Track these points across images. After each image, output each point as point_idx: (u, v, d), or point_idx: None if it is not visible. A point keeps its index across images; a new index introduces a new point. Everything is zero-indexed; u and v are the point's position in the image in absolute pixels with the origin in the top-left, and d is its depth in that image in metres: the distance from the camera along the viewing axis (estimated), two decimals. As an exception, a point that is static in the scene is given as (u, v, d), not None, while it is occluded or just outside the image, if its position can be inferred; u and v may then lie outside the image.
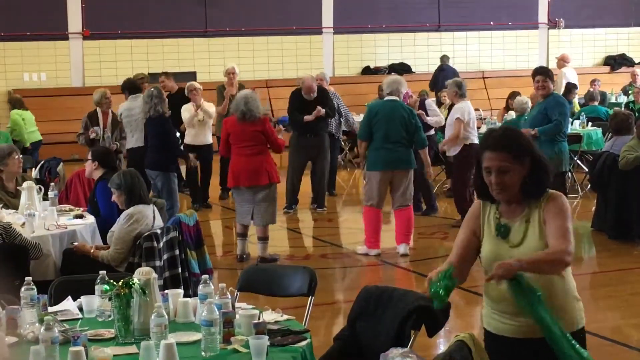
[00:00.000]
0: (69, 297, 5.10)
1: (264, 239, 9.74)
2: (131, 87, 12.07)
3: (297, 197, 12.58)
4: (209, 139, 12.67)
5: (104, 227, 7.68)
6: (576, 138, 13.07)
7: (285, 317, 4.79)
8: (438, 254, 10.24)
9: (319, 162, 12.51)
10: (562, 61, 19.20)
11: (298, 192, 12.55)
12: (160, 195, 10.06)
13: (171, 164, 10.33)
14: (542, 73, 10.00)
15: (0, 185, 8.51)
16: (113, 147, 10.99)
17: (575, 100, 16.57)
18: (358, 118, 16.73)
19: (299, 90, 12.50)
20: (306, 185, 12.75)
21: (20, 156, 8.83)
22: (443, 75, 19.34)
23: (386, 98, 9.98)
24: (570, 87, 16.73)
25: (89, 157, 8.64)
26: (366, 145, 9.90)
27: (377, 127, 9.75)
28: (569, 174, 13.58)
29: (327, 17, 21.25)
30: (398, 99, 9.93)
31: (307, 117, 12.13)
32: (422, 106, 12.21)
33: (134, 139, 11.53)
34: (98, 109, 11.54)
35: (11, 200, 8.25)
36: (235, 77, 13.57)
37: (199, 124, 12.46)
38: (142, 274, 4.59)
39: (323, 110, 12.20)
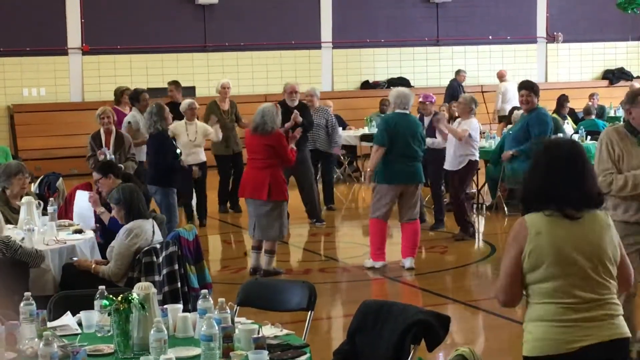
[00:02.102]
0: (68, 312, 5.10)
1: (269, 252, 9.70)
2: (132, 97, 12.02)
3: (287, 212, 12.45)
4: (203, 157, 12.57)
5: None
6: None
7: (285, 331, 4.79)
8: (437, 267, 10.23)
9: (303, 177, 12.42)
10: (501, 77, 19.53)
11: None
12: (160, 210, 10.07)
13: (170, 180, 10.32)
14: (527, 87, 9.95)
15: (4, 201, 8.49)
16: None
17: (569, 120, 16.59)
18: (357, 132, 16.78)
19: (280, 102, 12.27)
20: (298, 200, 12.72)
21: (27, 177, 8.81)
22: (449, 89, 19.63)
23: (398, 111, 9.84)
24: (562, 101, 16.80)
25: (99, 175, 8.48)
26: (382, 152, 9.60)
27: (395, 140, 9.63)
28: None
29: (326, 32, 21.29)
30: (409, 112, 9.91)
31: (287, 124, 11.92)
32: (430, 121, 12.06)
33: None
34: (101, 129, 11.21)
35: (14, 217, 8.22)
36: (229, 92, 13.57)
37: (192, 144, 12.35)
38: (142, 288, 4.59)
39: (300, 118, 12.06)
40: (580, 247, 4.00)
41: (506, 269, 4.01)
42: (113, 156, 10.74)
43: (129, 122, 12.22)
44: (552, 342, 3.95)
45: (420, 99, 12.16)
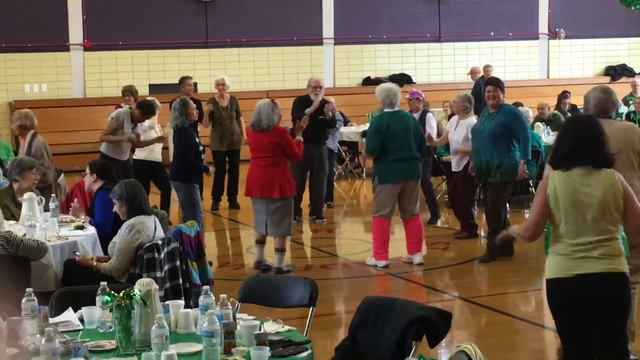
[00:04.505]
0: (70, 308, 5.10)
1: (280, 250, 9.67)
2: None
3: (300, 207, 12.53)
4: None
5: (99, 234, 7.85)
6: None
7: (287, 327, 4.79)
8: (439, 264, 10.24)
9: (318, 173, 12.43)
10: (475, 74, 19.15)
11: (300, 202, 12.48)
12: (182, 207, 10.04)
13: (192, 176, 10.14)
14: (493, 83, 10.02)
15: (11, 197, 8.48)
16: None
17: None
18: (358, 128, 16.77)
19: (303, 96, 12.41)
20: (304, 195, 12.72)
21: (38, 173, 8.79)
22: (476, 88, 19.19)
23: (387, 110, 9.83)
24: (560, 98, 16.76)
25: (88, 170, 8.64)
26: (374, 159, 9.76)
27: (390, 140, 9.62)
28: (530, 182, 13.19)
29: (328, 28, 21.28)
30: (399, 108, 9.89)
31: (309, 110, 11.96)
32: (423, 118, 12.11)
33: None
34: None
35: (19, 212, 8.21)
36: (225, 88, 13.50)
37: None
38: (143, 285, 4.60)
39: (330, 113, 12.13)
40: (586, 200, 5.08)
41: (534, 207, 5.25)
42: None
43: (112, 117, 11.78)
44: (557, 269, 5.18)
45: (408, 96, 12.17)
